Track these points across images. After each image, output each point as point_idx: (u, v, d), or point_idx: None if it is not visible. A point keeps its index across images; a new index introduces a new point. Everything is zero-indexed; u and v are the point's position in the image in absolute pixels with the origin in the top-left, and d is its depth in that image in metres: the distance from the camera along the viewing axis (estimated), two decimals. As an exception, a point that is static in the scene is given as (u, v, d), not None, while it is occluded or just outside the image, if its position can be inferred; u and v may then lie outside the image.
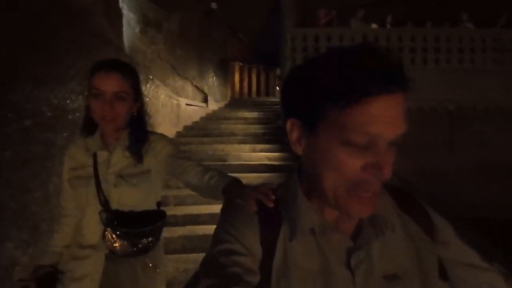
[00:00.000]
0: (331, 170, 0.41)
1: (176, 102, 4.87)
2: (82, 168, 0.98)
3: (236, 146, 4.14)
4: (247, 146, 4.10)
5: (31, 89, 1.80)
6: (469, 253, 0.49)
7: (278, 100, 5.61)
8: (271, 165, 3.55)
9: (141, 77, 3.78)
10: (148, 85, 3.64)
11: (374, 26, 5.65)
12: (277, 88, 8.00)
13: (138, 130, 1.00)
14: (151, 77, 3.80)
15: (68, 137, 2.00)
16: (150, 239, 0.96)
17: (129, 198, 0.96)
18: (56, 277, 0.97)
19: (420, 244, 0.47)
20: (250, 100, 8.58)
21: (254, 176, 3.31)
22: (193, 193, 0.99)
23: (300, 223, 0.45)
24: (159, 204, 1.04)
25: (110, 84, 0.91)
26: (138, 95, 0.99)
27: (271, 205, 0.49)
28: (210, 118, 5.73)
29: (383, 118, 0.38)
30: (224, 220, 0.49)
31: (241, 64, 9.30)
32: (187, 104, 5.41)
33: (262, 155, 3.82)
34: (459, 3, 6.21)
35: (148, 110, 1.06)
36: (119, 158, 0.98)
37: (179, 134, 4.66)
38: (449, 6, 6.26)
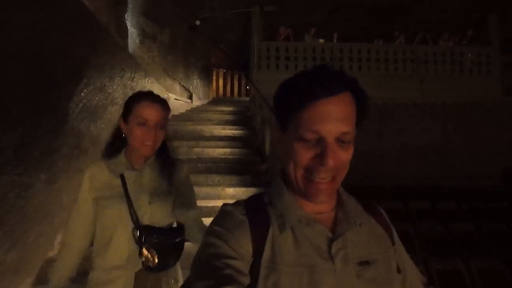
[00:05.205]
0: (291, 160, 0.51)
1: (166, 96, 6.26)
2: (108, 189, 1.00)
3: (211, 126, 5.53)
4: (219, 127, 5.50)
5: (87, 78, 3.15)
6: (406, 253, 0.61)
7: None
8: (233, 136, 4.99)
9: (141, 74, 5.29)
10: (146, 79, 5.06)
11: (321, 41, 7.23)
12: (247, 88, 9.64)
13: (165, 153, 1.08)
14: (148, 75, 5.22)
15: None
16: (179, 252, 1.02)
17: (160, 214, 1.02)
18: None
19: (385, 243, 0.57)
20: (230, 99, 10.02)
21: (221, 142, 4.77)
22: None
23: (288, 216, 0.52)
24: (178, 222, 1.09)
25: (154, 114, 0.99)
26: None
27: None
28: (194, 110, 7.06)
29: (325, 117, 0.48)
30: (215, 226, 0.52)
31: (225, 70, 10.99)
32: (175, 99, 6.77)
33: (229, 131, 5.23)
34: (393, 23, 7.95)
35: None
36: (149, 178, 1.04)
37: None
38: (384, 25, 7.97)
